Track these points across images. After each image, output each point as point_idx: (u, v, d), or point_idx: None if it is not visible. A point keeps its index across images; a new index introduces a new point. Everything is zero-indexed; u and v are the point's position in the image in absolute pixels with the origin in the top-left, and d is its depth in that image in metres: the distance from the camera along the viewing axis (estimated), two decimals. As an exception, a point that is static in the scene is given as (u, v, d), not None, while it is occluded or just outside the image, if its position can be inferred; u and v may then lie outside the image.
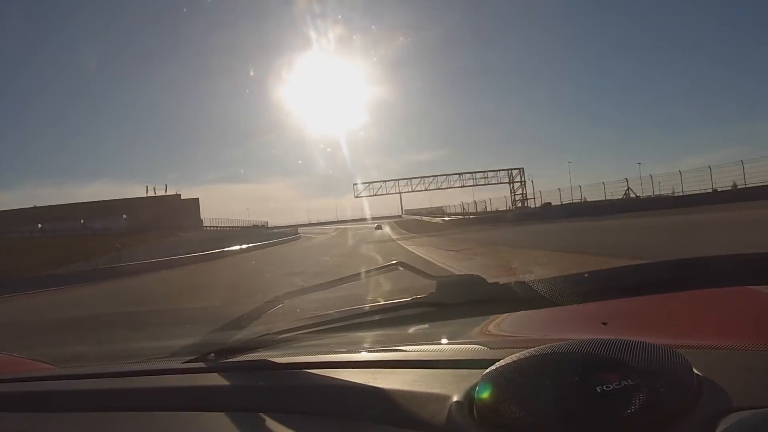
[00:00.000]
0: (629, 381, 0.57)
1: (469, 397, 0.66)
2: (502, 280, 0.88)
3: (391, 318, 0.93)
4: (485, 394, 0.63)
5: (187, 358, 1.08)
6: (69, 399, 1.02)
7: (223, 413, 0.85)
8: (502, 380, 0.63)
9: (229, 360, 1.04)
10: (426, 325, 1.20)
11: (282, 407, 0.83)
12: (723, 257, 0.75)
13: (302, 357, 1.06)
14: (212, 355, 1.05)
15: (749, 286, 1.02)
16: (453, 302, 0.87)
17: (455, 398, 0.68)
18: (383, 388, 0.78)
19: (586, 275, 0.86)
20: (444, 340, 1.14)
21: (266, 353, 1.04)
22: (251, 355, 1.03)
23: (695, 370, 0.62)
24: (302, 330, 1.00)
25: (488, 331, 1.21)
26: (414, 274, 1.02)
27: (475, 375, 0.68)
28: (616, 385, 0.56)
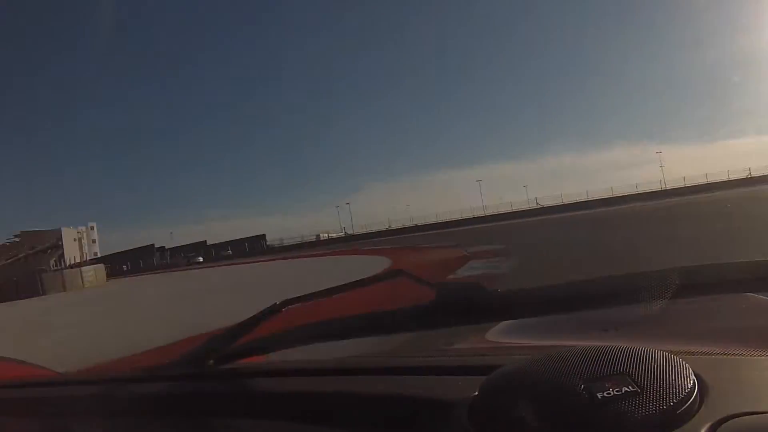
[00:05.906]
0: (630, 387, 0.56)
1: (469, 405, 0.66)
2: (502, 288, 0.88)
3: (391, 325, 0.93)
4: (485, 402, 0.63)
5: (186, 365, 1.08)
6: (68, 405, 1.01)
7: (222, 420, 0.84)
8: (502, 387, 0.63)
9: (228, 366, 1.04)
10: (425, 332, 1.20)
11: (282, 414, 0.83)
12: (726, 264, 0.75)
13: (301, 364, 1.06)
14: (211, 361, 1.05)
15: (751, 293, 1.02)
16: (452, 309, 0.87)
17: (455, 406, 0.67)
18: (382, 396, 0.77)
19: (586, 282, 0.86)
20: (443, 347, 1.14)
21: (266, 359, 1.04)
22: (250, 361, 1.03)
23: (696, 376, 0.62)
24: (301, 336, 1.00)
25: (488, 338, 1.21)
26: (414, 282, 1.02)
27: (474, 382, 0.68)
28: (616, 391, 0.56)
